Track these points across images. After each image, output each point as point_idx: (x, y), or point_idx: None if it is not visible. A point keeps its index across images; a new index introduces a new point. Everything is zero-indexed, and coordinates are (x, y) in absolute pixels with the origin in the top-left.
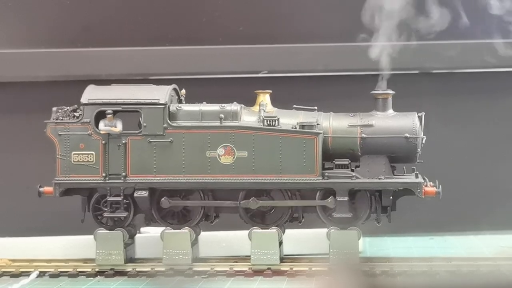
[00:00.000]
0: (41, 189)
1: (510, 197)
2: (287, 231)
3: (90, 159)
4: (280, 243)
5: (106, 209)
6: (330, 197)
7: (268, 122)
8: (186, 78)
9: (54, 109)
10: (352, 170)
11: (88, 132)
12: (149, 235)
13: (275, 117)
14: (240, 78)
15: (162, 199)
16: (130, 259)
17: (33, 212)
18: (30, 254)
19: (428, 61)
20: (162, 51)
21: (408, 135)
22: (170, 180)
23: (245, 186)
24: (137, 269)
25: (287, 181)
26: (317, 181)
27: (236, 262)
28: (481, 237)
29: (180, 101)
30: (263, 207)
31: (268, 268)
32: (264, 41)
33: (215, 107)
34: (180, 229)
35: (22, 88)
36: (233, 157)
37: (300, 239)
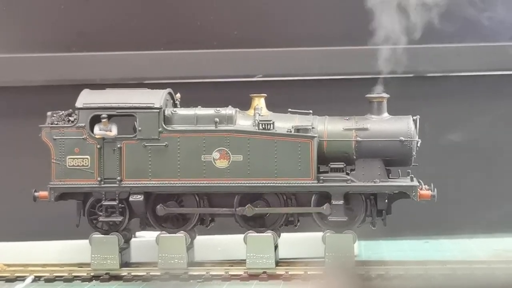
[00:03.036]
0: (36, 193)
1: (505, 200)
2: (283, 234)
3: (85, 163)
4: (276, 246)
5: (101, 214)
6: (326, 204)
7: (263, 126)
8: (181, 82)
9: (49, 113)
10: (347, 174)
11: (83, 137)
12: (145, 239)
13: (270, 120)
14: (235, 82)
15: (158, 206)
16: (125, 264)
17: (28, 217)
18: (25, 259)
19: (422, 65)
20: (157, 55)
21: (403, 139)
22: (165, 184)
23: (240, 190)
24: (133, 274)
25: (282, 184)
26: (312, 184)
27: (232, 266)
28: (476, 241)
29: (175, 105)
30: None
31: (264, 272)
32: (259, 45)
33: (210, 111)
34: (175, 233)
35: (17, 93)
36: (228, 161)
37: (295, 242)
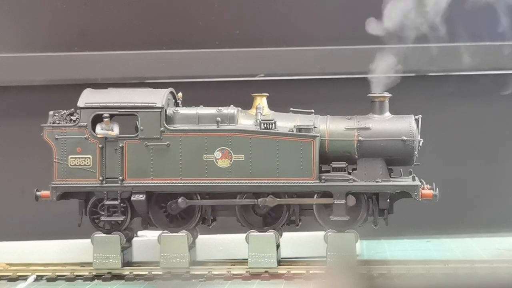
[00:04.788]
0: (38, 193)
1: (506, 200)
2: (285, 234)
3: (87, 163)
4: (278, 246)
5: (103, 213)
6: (349, 196)
7: (265, 125)
8: (183, 82)
9: (51, 113)
10: (349, 173)
11: (85, 136)
12: (146, 239)
13: (272, 120)
14: (237, 81)
15: (179, 199)
16: (127, 263)
17: (30, 216)
18: (27, 258)
19: (424, 64)
20: (159, 54)
21: (405, 138)
22: (167, 184)
23: (242, 190)
24: (135, 273)
25: (284, 184)
26: (314, 184)
27: (234, 265)
28: (478, 240)
29: (177, 105)
30: (261, 210)
31: (266, 271)
32: (261, 45)
33: (212, 110)
34: (177, 232)
35: (19, 92)
36: (230, 161)
37: (297, 242)
